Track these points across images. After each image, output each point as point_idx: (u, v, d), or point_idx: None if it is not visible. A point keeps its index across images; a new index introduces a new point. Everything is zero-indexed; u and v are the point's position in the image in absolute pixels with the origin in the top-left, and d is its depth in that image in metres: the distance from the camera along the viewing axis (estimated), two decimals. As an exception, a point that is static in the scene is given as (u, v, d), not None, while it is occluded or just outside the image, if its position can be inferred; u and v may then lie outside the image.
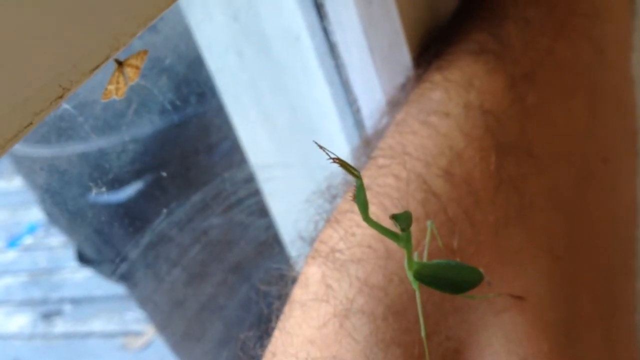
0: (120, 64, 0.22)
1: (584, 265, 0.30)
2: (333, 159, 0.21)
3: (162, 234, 0.49)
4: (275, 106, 0.41)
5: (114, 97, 0.22)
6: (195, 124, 0.51)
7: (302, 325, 0.27)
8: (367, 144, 0.33)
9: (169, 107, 0.43)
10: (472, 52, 0.33)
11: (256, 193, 0.49)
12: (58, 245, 1.37)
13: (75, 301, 1.26)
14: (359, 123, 0.38)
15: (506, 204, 0.29)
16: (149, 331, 1.16)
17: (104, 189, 0.47)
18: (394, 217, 0.23)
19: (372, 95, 0.36)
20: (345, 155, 0.37)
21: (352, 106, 0.37)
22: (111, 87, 0.22)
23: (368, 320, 0.26)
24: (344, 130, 0.40)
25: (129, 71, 0.22)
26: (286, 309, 0.28)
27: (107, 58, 0.17)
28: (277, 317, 0.29)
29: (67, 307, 1.25)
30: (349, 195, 0.24)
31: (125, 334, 1.18)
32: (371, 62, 0.34)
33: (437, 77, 0.33)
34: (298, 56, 0.37)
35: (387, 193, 0.29)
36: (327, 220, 0.30)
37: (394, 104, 0.34)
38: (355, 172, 0.22)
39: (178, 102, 0.45)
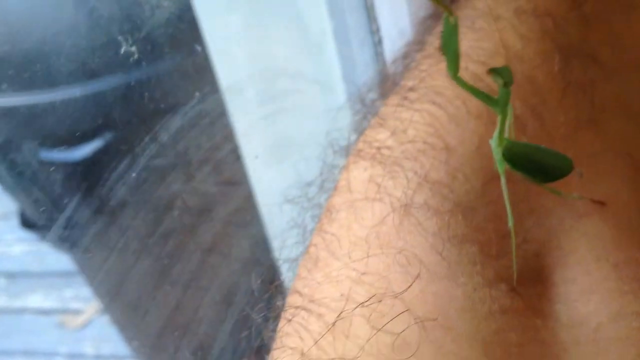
0: None
1: None
2: None
3: (119, 199, 0.45)
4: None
5: None
6: (169, 77, 0.47)
7: (351, 225, 0.24)
8: (406, 56, 0.30)
9: (138, 56, 0.39)
10: None
11: (231, 159, 0.45)
12: (-7, 217, 1.29)
13: (10, 275, 1.18)
14: (379, 54, 0.35)
15: (576, 107, 0.26)
16: (89, 310, 1.09)
17: (57, 145, 0.43)
18: (493, 71, 0.20)
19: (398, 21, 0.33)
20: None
21: (373, 35, 0.34)
22: None
23: (435, 215, 0.23)
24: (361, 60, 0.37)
25: None
26: (324, 215, 0.25)
27: None
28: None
29: (1, 281, 1.17)
30: (435, 44, 0.21)
31: (63, 311, 1.12)
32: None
33: None
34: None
35: (439, 92, 0.26)
36: (370, 123, 0.27)
37: (430, 18, 0.31)
38: (446, 7, 0.18)
39: (148, 52, 0.41)
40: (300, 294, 0.24)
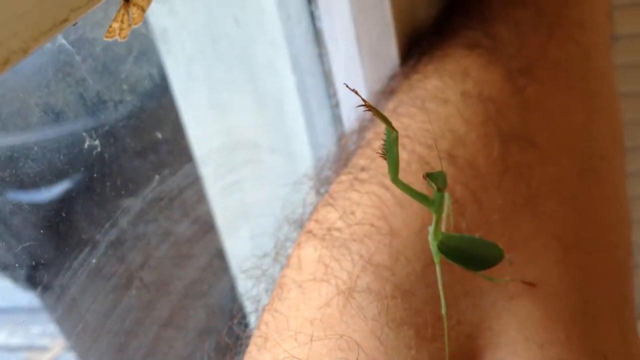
0: (127, 1, 0.19)
1: (594, 256, 0.30)
2: (366, 105, 0.19)
3: (86, 240, 0.46)
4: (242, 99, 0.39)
5: (117, 37, 0.19)
6: (137, 120, 0.48)
7: (299, 306, 0.25)
8: (361, 130, 0.32)
9: (108, 100, 0.40)
10: (465, 46, 0.33)
11: (199, 199, 0.46)
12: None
13: (-25, 311, 1.16)
14: (336, 117, 0.36)
15: (513, 191, 0.28)
16: (56, 347, 1.08)
17: (24, 188, 0.43)
18: (429, 176, 0.22)
19: (354, 87, 0.35)
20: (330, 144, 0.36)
21: (331, 99, 0.36)
22: (115, 26, 0.19)
23: (376, 299, 0.25)
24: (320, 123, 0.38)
25: (134, 11, 0.20)
26: (276, 292, 0.26)
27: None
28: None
29: (-34, 318, 1.15)
30: (378, 150, 0.23)
31: (30, 348, 1.10)
32: (357, 53, 0.33)
33: (429, 68, 0.32)
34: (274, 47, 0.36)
35: (387, 174, 0.28)
36: (321, 201, 0.29)
37: (382, 94, 0.33)
38: (389, 122, 0.20)
39: (117, 97, 0.42)
40: None
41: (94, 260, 0.47)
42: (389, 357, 0.24)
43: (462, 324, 0.26)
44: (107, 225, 0.45)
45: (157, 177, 0.39)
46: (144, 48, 0.35)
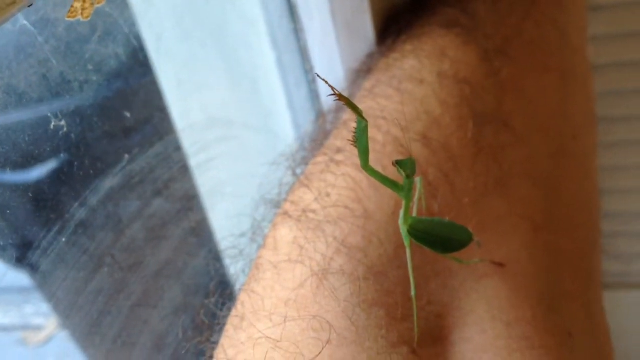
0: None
1: (563, 237, 0.30)
2: (336, 95, 0.19)
3: (76, 219, 0.46)
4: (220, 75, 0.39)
5: (79, 17, 0.19)
6: (110, 101, 0.48)
7: (274, 287, 0.26)
8: (337, 110, 0.32)
9: (91, 80, 0.40)
10: (443, 25, 0.32)
11: (184, 177, 0.46)
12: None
13: (-32, 292, 1.17)
14: (314, 93, 0.36)
15: (486, 172, 0.29)
16: (50, 326, 1.09)
17: (10, 167, 0.43)
18: (398, 163, 0.22)
19: (330, 64, 0.35)
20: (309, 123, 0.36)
21: (308, 75, 0.36)
22: (77, 5, 0.19)
23: (348, 280, 0.25)
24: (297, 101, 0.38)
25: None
26: (252, 272, 0.27)
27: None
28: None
29: (-41, 298, 1.16)
30: (348, 139, 0.23)
31: (24, 327, 1.11)
32: (332, 28, 0.32)
33: (407, 47, 0.32)
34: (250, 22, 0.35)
35: None
36: (297, 182, 0.29)
37: (359, 73, 0.33)
38: (359, 112, 0.20)
39: (85, 77, 0.41)
40: (225, 355, 0.26)
41: (80, 238, 0.47)
42: (360, 337, 0.24)
43: (432, 303, 0.26)
44: (92, 202, 0.45)
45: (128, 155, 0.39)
46: (111, 27, 0.34)
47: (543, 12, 0.35)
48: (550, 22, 0.35)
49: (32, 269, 0.58)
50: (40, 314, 1.13)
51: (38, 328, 1.14)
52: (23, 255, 0.54)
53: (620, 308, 0.83)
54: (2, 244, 0.65)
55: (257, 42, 0.38)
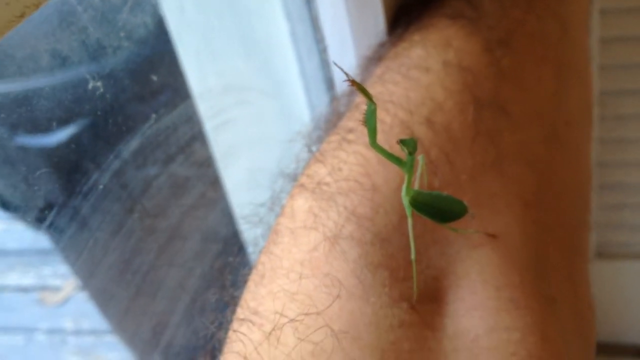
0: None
1: (551, 214, 0.33)
2: (349, 80, 0.22)
3: (96, 182, 0.49)
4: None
5: None
6: (139, 65, 0.50)
7: (291, 249, 0.29)
8: (350, 94, 0.35)
9: (123, 46, 0.43)
10: (449, 16, 0.35)
11: (202, 144, 0.49)
12: (-30, 195, 1.30)
13: (-11, 253, 1.20)
14: (324, 62, 0.39)
15: (483, 153, 0.31)
16: (68, 286, 1.13)
17: (33, 131, 0.45)
18: (402, 142, 0.25)
19: (342, 47, 0.38)
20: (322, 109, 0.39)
21: (319, 44, 0.38)
22: None
23: (357, 244, 0.28)
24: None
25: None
26: (271, 237, 0.30)
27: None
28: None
29: (-21, 259, 1.20)
30: (359, 119, 0.26)
31: (42, 288, 1.15)
32: (346, 16, 0.35)
33: (415, 37, 0.35)
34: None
35: None
36: (312, 158, 0.32)
37: (371, 60, 0.36)
38: (369, 96, 0.23)
39: (118, 43, 0.44)
40: (248, 306, 0.29)
41: (101, 199, 0.50)
42: (366, 293, 0.27)
43: (430, 267, 0.29)
44: (112, 163, 0.48)
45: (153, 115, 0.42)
46: None
47: (545, 6, 0.38)
48: (552, 15, 0.38)
49: (55, 230, 0.60)
50: (58, 276, 1.17)
51: (56, 289, 1.18)
52: (44, 216, 0.57)
53: (625, 277, 0.86)
54: (23, 205, 0.68)
55: (272, 14, 0.41)
